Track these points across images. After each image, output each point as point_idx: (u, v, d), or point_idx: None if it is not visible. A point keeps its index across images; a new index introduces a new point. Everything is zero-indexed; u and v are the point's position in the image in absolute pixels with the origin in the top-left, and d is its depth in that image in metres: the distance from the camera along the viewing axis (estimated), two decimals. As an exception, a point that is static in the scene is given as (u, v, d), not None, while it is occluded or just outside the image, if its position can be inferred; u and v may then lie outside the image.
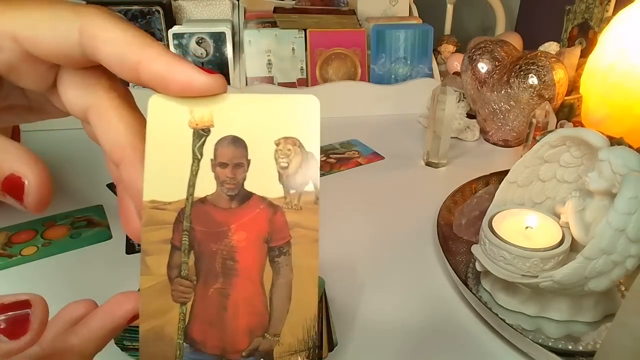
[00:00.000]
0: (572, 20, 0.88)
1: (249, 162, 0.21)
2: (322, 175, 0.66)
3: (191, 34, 0.80)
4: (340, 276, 0.46)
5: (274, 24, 0.84)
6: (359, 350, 0.39)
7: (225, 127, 0.20)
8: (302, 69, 0.84)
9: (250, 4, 0.91)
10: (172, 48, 0.79)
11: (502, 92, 0.70)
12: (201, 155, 0.20)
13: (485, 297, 0.43)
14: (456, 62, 0.89)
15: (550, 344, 0.38)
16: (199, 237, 0.21)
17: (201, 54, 0.81)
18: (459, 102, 0.76)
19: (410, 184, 0.65)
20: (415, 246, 0.52)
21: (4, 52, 0.19)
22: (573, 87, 0.73)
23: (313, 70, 0.84)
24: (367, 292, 0.45)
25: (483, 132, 0.78)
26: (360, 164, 0.69)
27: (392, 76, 0.87)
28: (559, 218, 0.42)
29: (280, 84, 0.83)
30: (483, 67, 0.73)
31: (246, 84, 0.82)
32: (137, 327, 0.20)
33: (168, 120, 0.20)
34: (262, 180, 0.21)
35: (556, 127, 0.66)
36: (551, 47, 0.76)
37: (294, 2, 0.91)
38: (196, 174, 0.20)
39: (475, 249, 0.43)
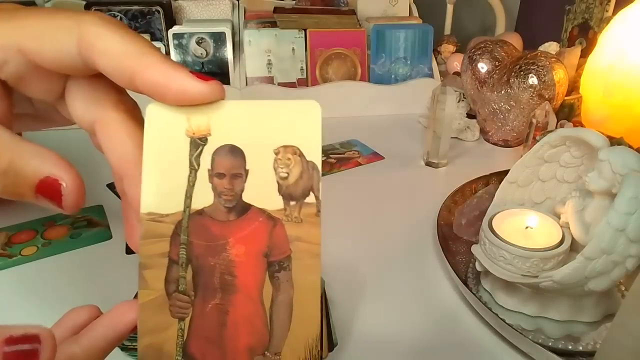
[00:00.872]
0: (572, 20, 0.88)
1: (247, 172, 0.20)
2: (322, 175, 0.66)
3: (191, 34, 0.80)
4: (340, 276, 0.46)
5: (274, 24, 0.84)
6: (359, 350, 0.39)
7: (223, 135, 0.20)
8: (302, 69, 0.84)
9: (250, 4, 0.91)
10: (172, 48, 0.80)
11: (502, 92, 0.70)
12: (198, 165, 0.20)
13: (485, 297, 0.43)
14: (456, 62, 0.89)
15: (550, 344, 0.38)
16: (197, 250, 0.20)
17: (201, 54, 0.81)
18: (459, 102, 0.76)
19: (410, 184, 0.65)
20: (415, 246, 0.52)
21: (11, 64, 0.19)
22: (573, 87, 0.73)
23: (313, 70, 0.84)
24: (367, 292, 0.45)
25: (483, 132, 0.78)
26: (360, 164, 0.69)
27: (392, 76, 0.87)
28: (559, 218, 0.42)
29: (280, 84, 0.83)
30: (483, 67, 0.73)
31: (246, 84, 0.82)
32: None
33: (165, 129, 0.20)
34: (261, 191, 0.20)
35: (556, 127, 0.66)
36: (551, 47, 0.76)
37: (294, 2, 0.91)
38: (193, 185, 0.20)
39: (475, 249, 0.43)
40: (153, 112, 0.20)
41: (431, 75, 0.87)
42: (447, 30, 1.06)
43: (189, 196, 0.20)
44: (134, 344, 0.35)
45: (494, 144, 0.76)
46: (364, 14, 0.91)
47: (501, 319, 0.38)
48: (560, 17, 0.90)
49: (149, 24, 0.81)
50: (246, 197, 0.20)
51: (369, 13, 0.91)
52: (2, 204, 0.56)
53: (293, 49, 0.83)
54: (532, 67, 0.67)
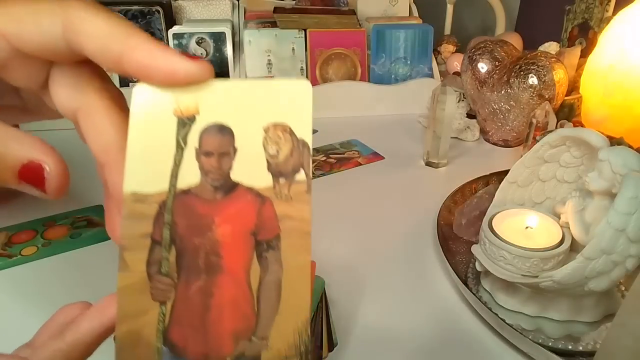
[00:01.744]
0: (572, 20, 0.88)
1: (235, 150, 0.19)
2: (322, 175, 0.66)
3: (191, 34, 0.80)
4: (340, 276, 0.46)
5: (274, 24, 0.84)
6: (359, 350, 0.39)
7: (212, 114, 0.19)
8: (302, 69, 0.84)
9: (250, 4, 0.91)
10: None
11: (502, 92, 0.70)
12: (185, 144, 0.19)
13: (485, 297, 0.43)
14: (456, 62, 0.89)
15: (550, 344, 0.38)
16: (181, 231, 0.19)
17: (201, 54, 0.81)
18: (459, 102, 0.76)
19: (410, 184, 0.65)
20: (415, 246, 0.52)
21: None
22: (573, 87, 0.73)
23: (313, 70, 0.84)
24: (367, 292, 0.45)
25: (483, 132, 0.78)
26: (360, 164, 0.69)
27: (392, 76, 0.87)
28: (559, 218, 0.42)
29: (280, 84, 0.83)
30: (483, 67, 0.73)
31: (246, 84, 0.82)
32: None
33: (152, 109, 0.19)
34: (249, 169, 0.19)
35: (556, 127, 0.66)
36: (551, 47, 0.76)
37: (294, 2, 0.91)
38: (179, 164, 0.19)
39: (475, 249, 0.43)
40: (140, 92, 0.19)
41: (431, 75, 0.87)
42: (447, 30, 1.06)
43: (174, 175, 0.19)
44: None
45: (494, 144, 0.76)
46: (364, 14, 0.91)
47: (501, 319, 0.38)
48: (560, 17, 0.90)
49: (149, 24, 0.81)
50: (234, 176, 0.19)
51: (369, 13, 0.91)
52: (2, 203, 0.56)
53: (293, 49, 0.83)
54: (532, 67, 0.67)
